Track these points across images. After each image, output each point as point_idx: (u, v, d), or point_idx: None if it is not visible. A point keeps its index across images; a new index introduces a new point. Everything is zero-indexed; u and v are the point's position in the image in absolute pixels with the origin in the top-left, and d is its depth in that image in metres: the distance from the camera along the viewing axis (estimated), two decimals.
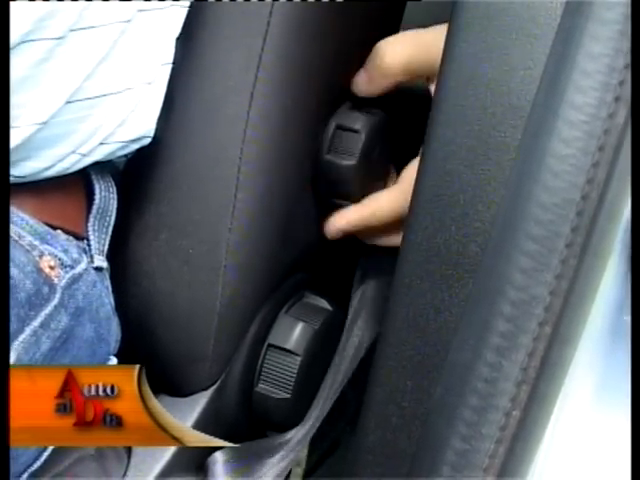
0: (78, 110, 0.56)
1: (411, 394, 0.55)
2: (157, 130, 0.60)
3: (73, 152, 0.57)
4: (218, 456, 0.64)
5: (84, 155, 0.58)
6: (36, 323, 0.54)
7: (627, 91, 0.44)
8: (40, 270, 0.55)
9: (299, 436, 0.66)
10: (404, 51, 0.66)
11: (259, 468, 0.65)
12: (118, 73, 0.57)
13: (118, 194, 0.62)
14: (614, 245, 0.46)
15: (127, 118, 0.58)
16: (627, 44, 0.44)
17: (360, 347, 0.68)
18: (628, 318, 0.46)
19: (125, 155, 0.62)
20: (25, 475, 0.57)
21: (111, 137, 0.58)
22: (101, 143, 0.58)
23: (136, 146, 0.60)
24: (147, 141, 0.61)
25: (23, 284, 0.53)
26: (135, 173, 0.63)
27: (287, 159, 0.64)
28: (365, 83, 0.67)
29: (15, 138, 0.53)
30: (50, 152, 0.56)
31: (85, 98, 0.56)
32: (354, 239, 0.72)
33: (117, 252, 0.62)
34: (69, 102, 0.55)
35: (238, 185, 0.61)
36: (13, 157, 0.54)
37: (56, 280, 0.55)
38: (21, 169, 0.56)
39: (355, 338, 0.68)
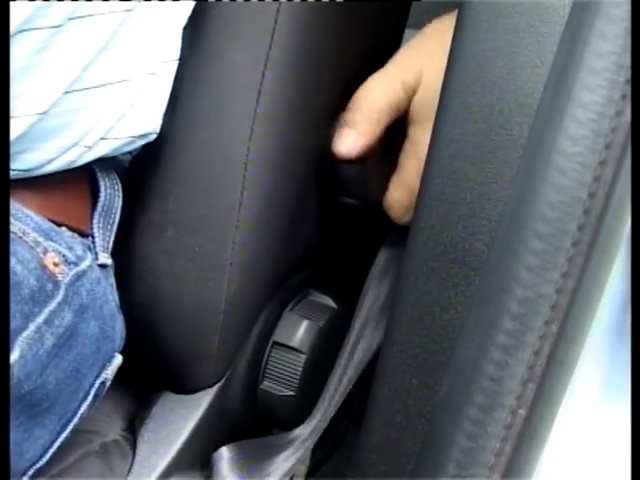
0: (77, 100, 0.56)
1: (416, 392, 0.55)
2: (163, 126, 0.60)
3: (76, 144, 0.57)
4: (224, 452, 0.64)
5: (88, 148, 0.57)
6: (40, 319, 0.53)
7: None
8: (44, 267, 0.55)
9: (305, 435, 0.66)
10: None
11: (265, 466, 0.65)
12: (118, 64, 0.57)
13: (123, 191, 0.62)
14: (621, 243, 0.46)
15: (128, 112, 0.58)
16: None
17: (369, 350, 0.67)
18: None
19: (130, 152, 0.62)
20: (31, 471, 0.57)
21: (113, 131, 0.58)
22: (103, 138, 0.58)
23: (141, 142, 0.60)
24: (152, 137, 0.60)
25: (27, 280, 0.53)
26: (141, 169, 0.63)
27: (294, 157, 0.64)
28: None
29: (15, 128, 0.53)
30: (52, 144, 0.56)
31: (84, 88, 0.56)
32: (360, 237, 0.72)
33: (122, 249, 0.62)
34: (68, 92, 0.55)
35: (244, 183, 0.61)
36: (14, 149, 0.54)
37: (60, 277, 0.55)
38: (23, 162, 0.55)
39: (365, 341, 0.68)
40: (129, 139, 0.59)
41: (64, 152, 0.57)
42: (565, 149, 0.44)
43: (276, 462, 0.65)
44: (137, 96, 0.58)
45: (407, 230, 0.64)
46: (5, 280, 0.50)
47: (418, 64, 0.64)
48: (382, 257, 0.70)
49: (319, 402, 0.67)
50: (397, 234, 0.69)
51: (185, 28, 0.60)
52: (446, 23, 0.63)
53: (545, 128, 0.45)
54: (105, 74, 0.56)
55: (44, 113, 0.54)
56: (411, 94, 0.64)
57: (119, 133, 0.58)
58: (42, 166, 0.56)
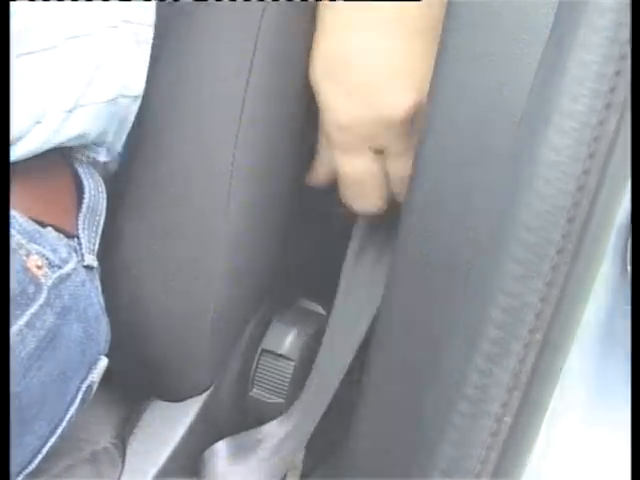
0: (35, 61, 0.54)
1: (402, 400, 0.56)
2: (148, 133, 0.60)
3: (49, 111, 0.55)
4: (217, 449, 0.64)
5: (68, 112, 0.56)
6: (21, 322, 0.53)
7: (617, 98, 0.44)
8: (26, 269, 0.54)
9: (279, 435, 0.66)
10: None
11: (245, 463, 0.65)
12: (71, 20, 0.55)
13: (110, 199, 0.62)
14: (605, 251, 0.46)
15: (94, 75, 0.56)
16: (617, 51, 0.44)
17: (351, 348, 0.67)
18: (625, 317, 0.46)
19: (113, 156, 0.61)
20: (20, 477, 0.57)
21: (86, 97, 0.56)
22: (78, 105, 0.56)
23: (113, 108, 0.58)
24: (126, 102, 0.59)
25: None
26: (126, 178, 0.63)
27: (281, 163, 0.64)
28: None
29: None
30: (24, 110, 0.54)
31: (40, 49, 0.54)
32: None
33: (108, 258, 0.62)
34: (22, 54, 0.53)
35: (230, 190, 0.61)
36: None
37: (43, 279, 0.55)
38: None
39: (343, 340, 0.67)
40: (106, 103, 0.57)
41: (39, 120, 0.55)
42: (549, 158, 0.44)
43: (254, 459, 0.65)
44: (101, 57, 0.56)
45: (370, 226, 0.64)
46: (5, 283, 0.50)
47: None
48: (351, 253, 0.70)
49: (295, 402, 0.67)
50: (361, 231, 0.69)
51: (166, 30, 0.59)
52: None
53: (529, 137, 0.46)
54: (54, 35, 0.55)
55: None
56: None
57: (92, 99, 0.57)
58: (20, 137, 0.55)
